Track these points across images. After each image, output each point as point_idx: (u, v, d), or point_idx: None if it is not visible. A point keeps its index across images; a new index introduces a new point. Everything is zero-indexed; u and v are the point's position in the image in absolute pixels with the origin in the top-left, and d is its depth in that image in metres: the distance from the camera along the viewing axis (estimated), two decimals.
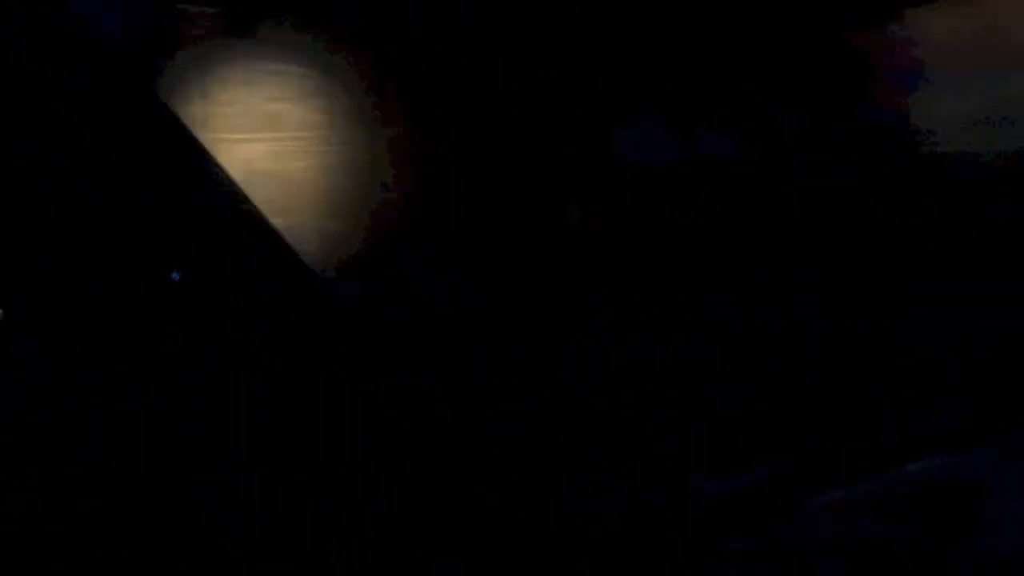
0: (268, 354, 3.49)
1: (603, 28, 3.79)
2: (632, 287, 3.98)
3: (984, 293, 4.56)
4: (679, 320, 3.92)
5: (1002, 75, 4.65)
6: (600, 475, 3.16)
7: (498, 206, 3.78)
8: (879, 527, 3.00)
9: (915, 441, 3.66)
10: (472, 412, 3.62)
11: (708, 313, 4.03)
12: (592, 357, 4.00)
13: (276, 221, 3.75)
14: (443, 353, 3.95)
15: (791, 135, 4.42)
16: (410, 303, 3.97)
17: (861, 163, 4.55)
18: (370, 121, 3.78)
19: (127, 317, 3.27)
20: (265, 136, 3.74)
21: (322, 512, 2.98)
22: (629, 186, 4.18)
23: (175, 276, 3.21)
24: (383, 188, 3.64)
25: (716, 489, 3.10)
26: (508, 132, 3.77)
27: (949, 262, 4.62)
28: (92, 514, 2.90)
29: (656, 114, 4.27)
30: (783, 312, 4.25)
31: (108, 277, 3.27)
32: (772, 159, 4.43)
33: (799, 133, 4.44)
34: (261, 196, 3.73)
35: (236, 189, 3.65)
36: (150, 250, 3.38)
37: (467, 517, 2.94)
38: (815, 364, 4.03)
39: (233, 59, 3.67)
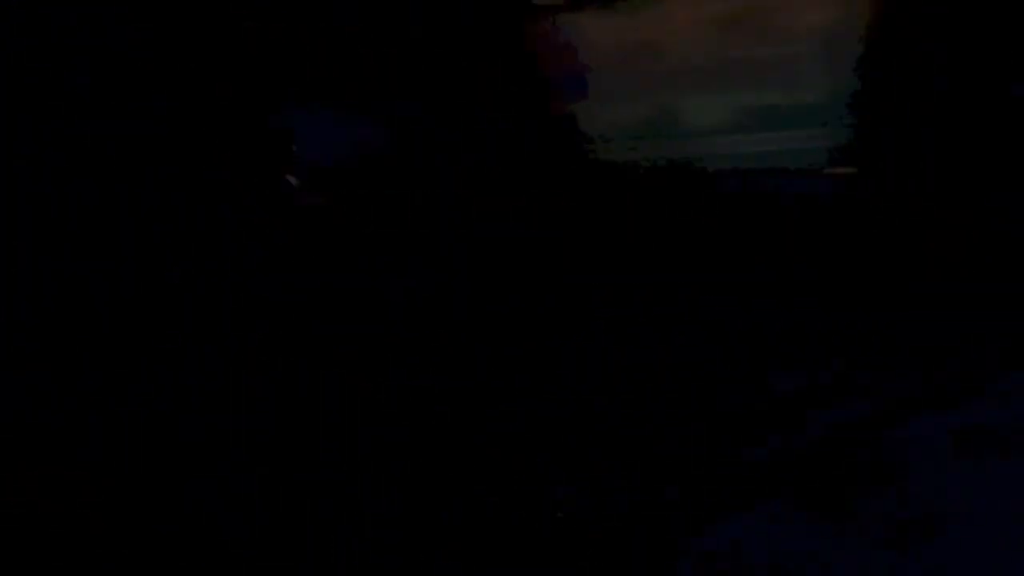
0: (268, 354, 3.49)
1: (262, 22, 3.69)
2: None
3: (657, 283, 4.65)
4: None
5: (660, 86, 4.70)
6: (600, 475, 3.17)
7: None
8: None
9: None
10: (472, 412, 3.62)
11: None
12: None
13: None
14: (443, 353, 3.95)
15: (456, 133, 4.39)
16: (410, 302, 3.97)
17: (527, 166, 4.55)
18: None
19: (127, 317, 3.27)
20: None
21: (322, 512, 2.98)
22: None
23: None
24: None
25: None
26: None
27: (615, 261, 4.68)
28: (92, 514, 2.90)
29: (313, 111, 4.25)
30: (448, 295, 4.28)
31: (108, 277, 3.27)
32: (433, 156, 4.43)
33: (466, 132, 4.41)
34: None
35: (237, 189, 3.65)
36: (150, 250, 3.38)
37: (467, 517, 2.94)
38: None
39: None
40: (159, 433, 3.16)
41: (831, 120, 4.41)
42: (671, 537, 2.79)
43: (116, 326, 3.23)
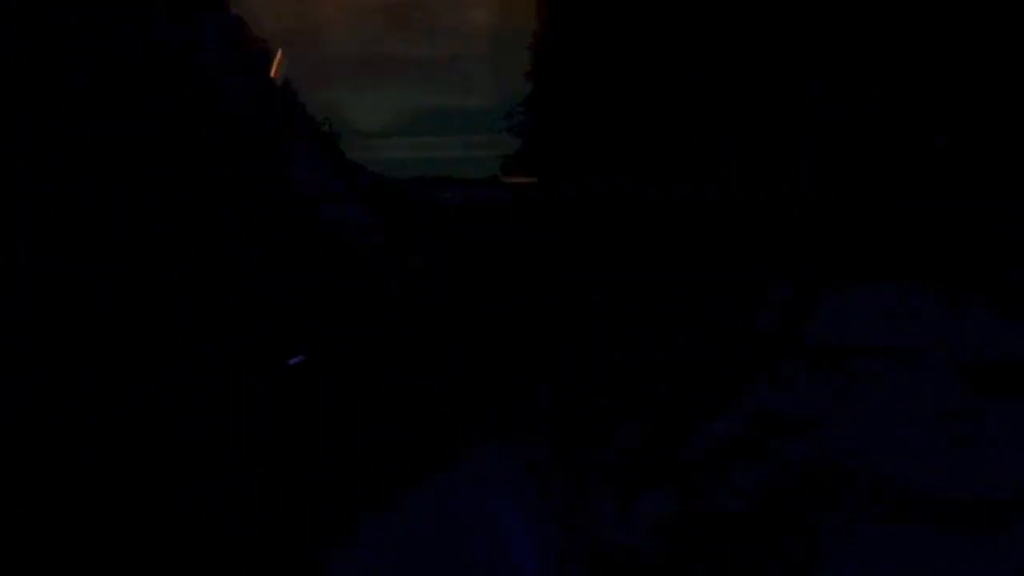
0: (268, 354, 3.49)
1: None
2: None
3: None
4: None
5: (323, 79, 4.34)
6: (599, 475, 3.17)
7: None
8: None
9: None
10: (472, 412, 3.62)
11: None
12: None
13: None
14: (443, 353, 3.95)
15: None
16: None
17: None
18: None
19: (127, 317, 3.27)
20: None
21: (322, 512, 2.98)
22: None
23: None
24: None
25: None
26: None
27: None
28: (92, 514, 2.90)
29: None
30: None
31: (108, 277, 3.27)
32: None
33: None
34: None
35: (236, 189, 3.65)
36: (150, 250, 3.38)
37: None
38: None
39: None
40: (159, 433, 3.16)
41: (506, 127, 4.20)
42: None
43: (116, 326, 3.23)
